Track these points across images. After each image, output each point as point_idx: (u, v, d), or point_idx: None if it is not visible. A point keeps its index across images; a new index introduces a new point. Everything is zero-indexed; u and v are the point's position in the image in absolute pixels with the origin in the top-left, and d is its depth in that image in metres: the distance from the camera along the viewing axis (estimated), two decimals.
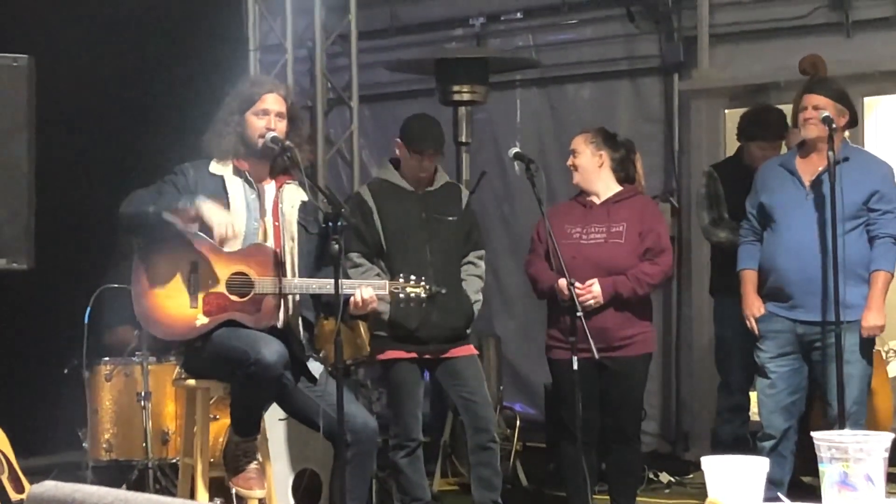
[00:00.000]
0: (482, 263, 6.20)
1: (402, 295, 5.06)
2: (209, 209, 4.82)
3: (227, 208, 4.93)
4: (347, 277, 5.21)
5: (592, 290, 5.78)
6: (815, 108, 5.80)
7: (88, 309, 6.49)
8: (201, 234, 4.88)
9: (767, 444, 5.93)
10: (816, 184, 5.82)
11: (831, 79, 6.29)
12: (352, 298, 4.94)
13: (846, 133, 5.90)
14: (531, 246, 6.13)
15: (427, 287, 5.06)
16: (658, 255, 5.96)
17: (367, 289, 4.99)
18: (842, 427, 5.53)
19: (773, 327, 5.93)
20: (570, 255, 5.78)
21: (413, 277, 5.07)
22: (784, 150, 6.67)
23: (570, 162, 6.06)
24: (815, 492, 5.03)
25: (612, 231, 5.92)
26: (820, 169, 5.82)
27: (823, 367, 5.82)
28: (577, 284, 5.64)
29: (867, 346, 5.83)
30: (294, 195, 5.11)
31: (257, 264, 4.91)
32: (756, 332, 5.98)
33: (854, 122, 6.07)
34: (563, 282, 5.66)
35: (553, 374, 6.12)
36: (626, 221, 5.93)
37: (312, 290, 4.94)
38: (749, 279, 6.05)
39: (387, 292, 5.08)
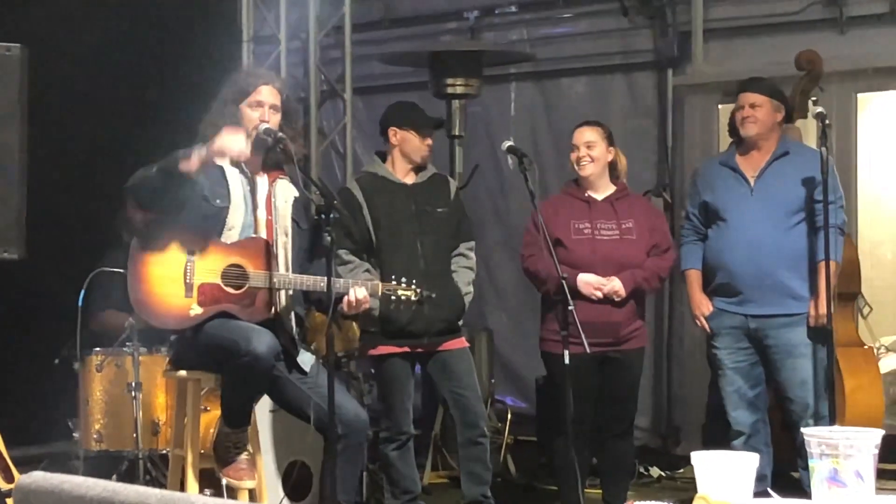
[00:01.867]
0: (473, 255, 6.17)
1: (392, 297, 5.08)
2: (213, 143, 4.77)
3: (227, 199, 4.94)
4: (337, 273, 5.20)
5: (614, 286, 5.81)
6: (752, 106, 5.92)
7: (83, 292, 6.46)
8: (196, 225, 4.88)
9: (738, 441, 5.95)
10: (760, 179, 5.90)
11: (766, 77, 6.32)
12: (345, 298, 4.94)
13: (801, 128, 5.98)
14: (528, 240, 6.08)
15: (417, 290, 5.08)
16: (665, 251, 6.04)
17: (360, 289, 4.99)
18: (829, 422, 5.57)
19: (726, 323, 5.99)
20: (588, 251, 5.85)
21: (404, 280, 5.08)
22: None
23: (583, 153, 5.99)
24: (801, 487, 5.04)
25: (623, 227, 5.95)
26: (762, 164, 5.89)
27: (779, 362, 5.86)
28: (580, 277, 5.69)
29: (819, 337, 5.84)
30: (287, 190, 5.11)
31: (253, 257, 4.91)
32: (707, 329, 6.03)
33: (790, 117, 6.16)
34: (583, 276, 5.70)
35: (548, 368, 6.13)
36: (634, 218, 5.98)
37: (307, 287, 4.94)
38: (695, 278, 6.13)
39: (379, 294, 5.10)
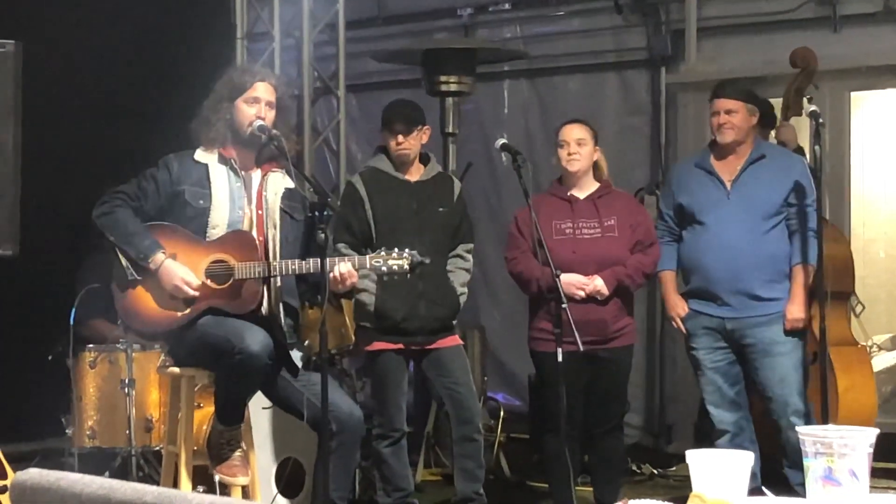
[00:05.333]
0: (470, 257, 6.16)
1: (384, 268, 4.98)
2: (167, 270, 4.86)
3: (209, 199, 4.95)
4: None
5: (596, 285, 5.81)
6: (728, 112, 5.88)
7: (73, 310, 6.47)
8: (177, 226, 4.90)
9: (723, 439, 5.95)
10: (737, 183, 5.90)
11: (739, 80, 6.34)
12: (331, 275, 4.90)
13: (774, 132, 5.98)
14: (512, 242, 6.08)
15: (410, 258, 4.99)
16: (649, 247, 6.02)
17: (343, 263, 4.97)
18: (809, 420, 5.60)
19: (703, 324, 6.00)
20: (568, 251, 5.83)
21: (396, 250, 5.00)
22: (773, 140, 6.67)
23: (573, 150, 5.99)
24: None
25: (605, 225, 5.94)
26: (739, 168, 5.90)
27: (756, 361, 5.88)
28: (562, 277, 5.65)
29: (797, 334, 5.89)
30: (278, 183, 5.11)
31: (236, 250, 4.91)
32: (683, 330, 6.05)
33: (771, 119, 6.18)
34: (566, 276, 5.68)
35: (537, 367, 6.12)
36: (617, 215, 5.96)
37: (293, 271, 4.92)
38: (669, 279, 6.15)
39: (368, 267, 5.03)
